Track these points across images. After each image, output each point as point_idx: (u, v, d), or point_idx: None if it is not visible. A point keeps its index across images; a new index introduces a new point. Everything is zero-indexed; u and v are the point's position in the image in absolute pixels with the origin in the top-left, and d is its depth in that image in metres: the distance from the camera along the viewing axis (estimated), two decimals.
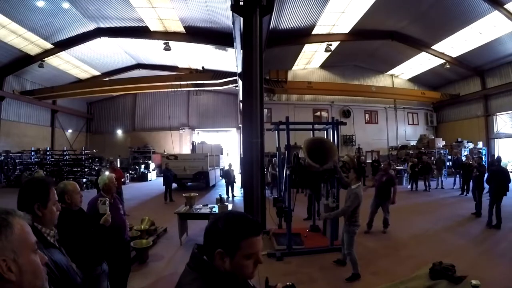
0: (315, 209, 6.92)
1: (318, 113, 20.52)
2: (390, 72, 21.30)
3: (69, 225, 2.37)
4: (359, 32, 15.33)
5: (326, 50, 16.54)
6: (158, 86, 19.51)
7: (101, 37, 15.01)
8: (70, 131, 23.10)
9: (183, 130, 24.50)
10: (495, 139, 18.52)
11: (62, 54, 16.30)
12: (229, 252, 1.02)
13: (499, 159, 9.28)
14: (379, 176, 7.27)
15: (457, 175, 12.94)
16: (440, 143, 18.21)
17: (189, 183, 15.07)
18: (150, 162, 21.08)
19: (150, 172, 20.28)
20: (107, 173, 5.46)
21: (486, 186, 7.92)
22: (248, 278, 1.10)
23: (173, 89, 19.43)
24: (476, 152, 17.01)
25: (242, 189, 8.79)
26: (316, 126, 7.54)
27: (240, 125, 15.16)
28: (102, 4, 12.50)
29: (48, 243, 1.49)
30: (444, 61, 17.44)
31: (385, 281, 4.08)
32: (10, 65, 16.21)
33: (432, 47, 16.56)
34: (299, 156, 5.83)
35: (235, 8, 7.43)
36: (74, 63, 18.19)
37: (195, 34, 14.73)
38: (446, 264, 2.95)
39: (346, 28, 15.04)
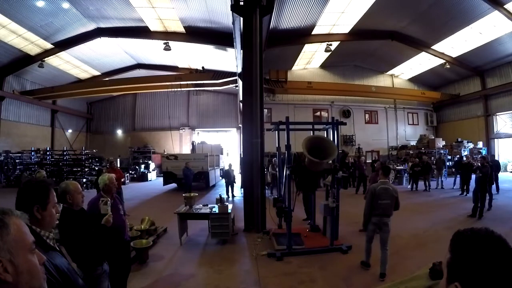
0: (314, 208, 6.92)
1: (318, 113, 20.52)
2: (390, 72, 21.31)
3: (70, 225, 2.37)
4: (359, 32, 15.34)
5: (326, 50, 16.55)
6: (158, 86, 19.53)
7: (101, 37, 15.02)
8: (70, 131, 23.11)
9: (183, 130, 24.50)
10: (495, 139, 18.53)
11: (62, 54, 16.31)
12: None
13: (493, 155, 11.26)
14: (372, 175, 7.16)
15: (457, 175, 12.91)
16: (440, 143, 18.20)
17: None
18: (150, 162, 21.07)
19: (150, 172, 20.28)
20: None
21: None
22: None
23: (173, 89, 19.42)
24: (477, 152, 17.01)
25: (242, 189, 8.82)
26: (316, 126, 7.52)
27: (240, 125, 15.15)
28: (102, 4, 12.51)
29: (48, 246, 1.44)
30: (444, 61, 17.45)
31: (385, 281, 4.08)
32: (10, 65, 16.22)
33: (432, 47, 16.57)
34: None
35: (235, 8, 7.44)
36: (74, 63, 18.20)
37: (195, 34, 14.74)
38: None
39: (346, 28, 15.04)
